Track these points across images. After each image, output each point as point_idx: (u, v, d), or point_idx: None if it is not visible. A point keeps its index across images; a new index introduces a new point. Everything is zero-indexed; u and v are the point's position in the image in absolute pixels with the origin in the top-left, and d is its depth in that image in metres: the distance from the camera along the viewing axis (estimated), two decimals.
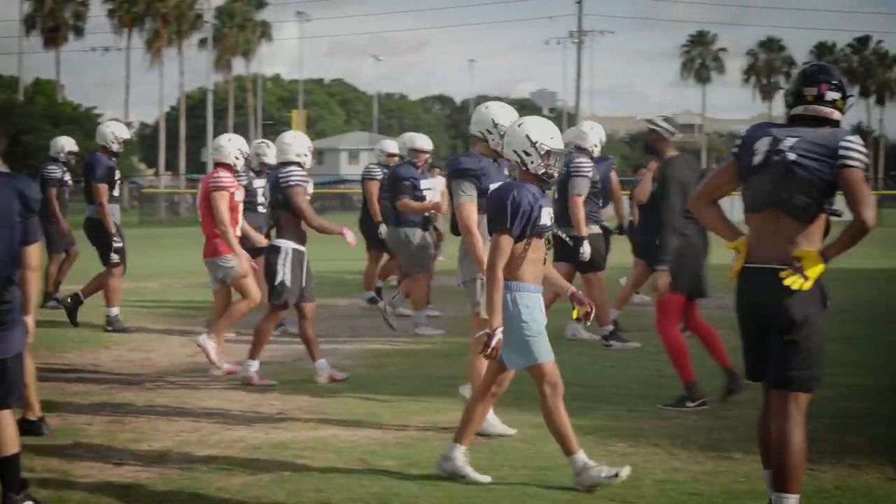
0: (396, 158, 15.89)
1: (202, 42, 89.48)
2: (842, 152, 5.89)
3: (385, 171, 15.97)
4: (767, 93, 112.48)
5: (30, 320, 6.54)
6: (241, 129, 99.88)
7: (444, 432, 8.60)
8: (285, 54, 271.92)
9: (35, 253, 6.47)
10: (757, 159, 6.10)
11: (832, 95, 6.11)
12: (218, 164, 11.86)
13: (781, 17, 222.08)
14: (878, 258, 21.90)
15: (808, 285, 5.86)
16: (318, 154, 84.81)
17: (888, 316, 15.28)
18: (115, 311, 14.79)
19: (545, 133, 7.18)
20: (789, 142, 6.01)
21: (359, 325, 15.05)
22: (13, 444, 6.43)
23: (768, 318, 6.00)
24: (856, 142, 5.95)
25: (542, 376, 7.12)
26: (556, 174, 7.21)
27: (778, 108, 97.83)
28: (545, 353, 7.12)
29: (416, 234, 14.46)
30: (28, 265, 6.43)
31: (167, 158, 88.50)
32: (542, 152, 7.11)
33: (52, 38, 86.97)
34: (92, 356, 12.70)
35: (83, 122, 73.98)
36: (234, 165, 11.81)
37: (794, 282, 5.85)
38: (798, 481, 6.01)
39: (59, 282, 17.21)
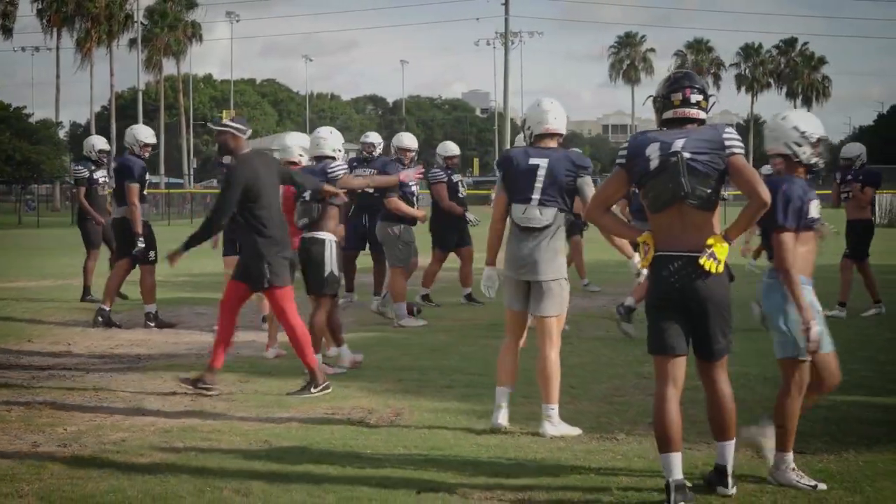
0: (412, 154, 16.38)
1: (132, 42, 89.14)
2: (727, 143, 6.61)
3: (448, 172, 16.94)
4: None
5: None
6: (172, 130, 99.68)
7: (347, 419, 9.06)
8: (217, 54, 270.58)
9: None
10: (653, 164, 6.68)
11: (696, 98, 6.80)
12: (290, 163, 11.88)
13: (709, 18, 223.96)
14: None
15: (721, 267, 6.56)
16: None
17: None
18: (153, 307, 15.07)
19: (812, 123, 7.21)
20: (679, 143, 6.64)
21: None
22: None
23: (686, 299, 6.63)
24: (734, 133, 6.69)
25: (791, 373, 7.18)
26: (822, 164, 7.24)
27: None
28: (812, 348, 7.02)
29: (403, 230, 14.94)
30: None
31: None
32: (813, 141, 7.16)
33: None
34: (15, 348, 12.99)
35: (13, 122, 73.68)
36: (299, 162, 11.94)
37: (711, 266, 6.52)
38: (734, 427, 6.85)
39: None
